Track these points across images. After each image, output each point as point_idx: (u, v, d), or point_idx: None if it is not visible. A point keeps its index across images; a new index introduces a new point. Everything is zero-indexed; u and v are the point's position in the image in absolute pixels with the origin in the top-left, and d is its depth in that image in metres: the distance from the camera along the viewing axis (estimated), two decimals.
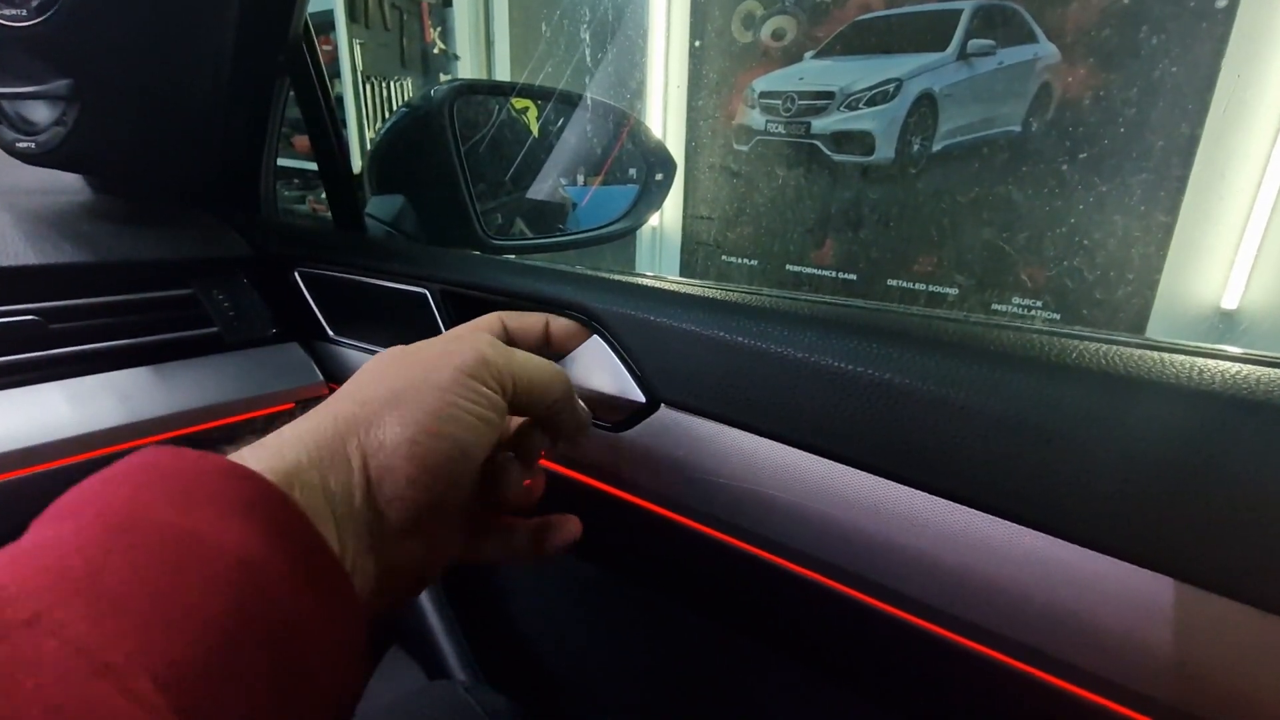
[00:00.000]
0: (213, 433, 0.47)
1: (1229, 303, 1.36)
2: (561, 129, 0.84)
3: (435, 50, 2.65)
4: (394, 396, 0.25)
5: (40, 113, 0.46)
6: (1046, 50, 1.51)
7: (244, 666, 0.17)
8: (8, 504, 0.38)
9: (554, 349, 0.37)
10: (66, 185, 0.56)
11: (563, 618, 0.53)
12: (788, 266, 1.99)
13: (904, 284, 1.80)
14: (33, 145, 0.45)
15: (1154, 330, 1.45)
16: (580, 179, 0.92)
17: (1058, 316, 1.58)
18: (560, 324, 0.37)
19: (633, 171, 0.86)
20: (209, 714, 0.16)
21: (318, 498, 0.22)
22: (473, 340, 0.28)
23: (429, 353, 0.28)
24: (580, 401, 0.32)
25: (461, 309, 0.44)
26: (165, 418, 0.45)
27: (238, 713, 0.17)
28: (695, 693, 0.47)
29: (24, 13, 0.38)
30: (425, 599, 0.54)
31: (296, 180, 2.44)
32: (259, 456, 0.23)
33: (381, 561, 0.24)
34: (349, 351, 0.52)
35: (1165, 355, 0.25)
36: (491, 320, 0.35)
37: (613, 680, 0.51)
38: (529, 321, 0.36)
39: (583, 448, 0.38)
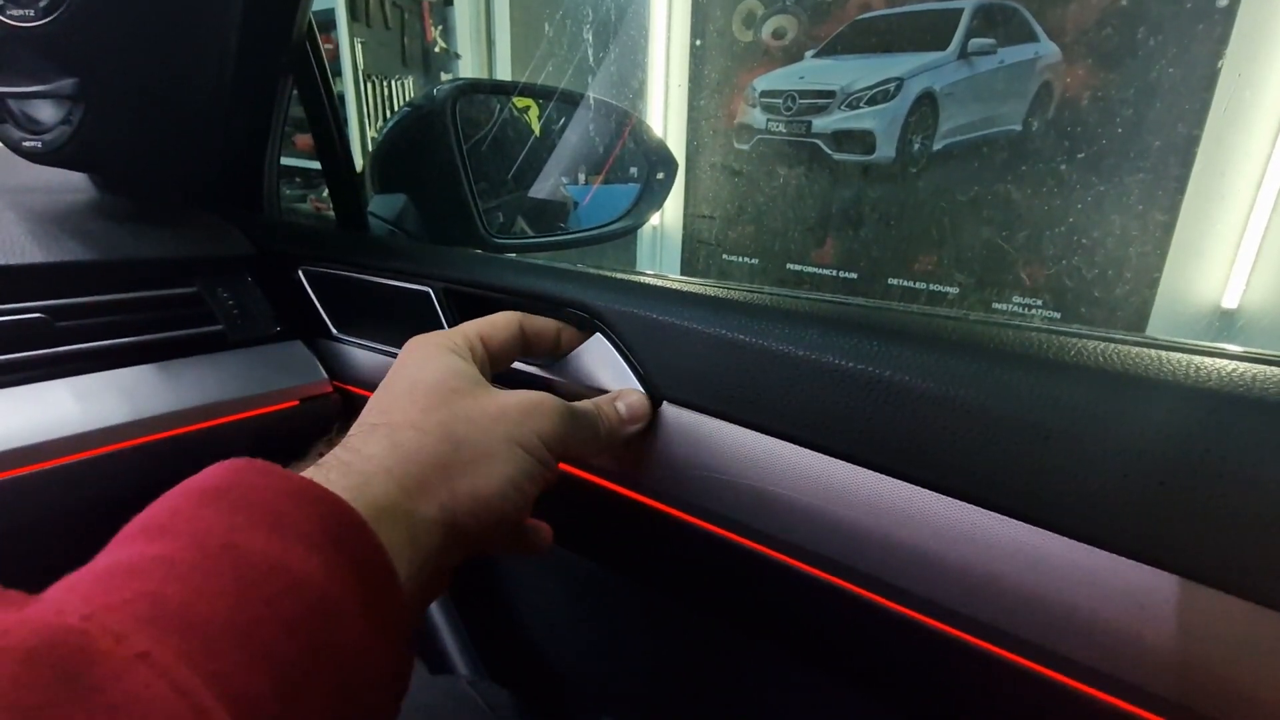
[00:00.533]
0: (217, 430, 0.47)
1: (1229, 302, 1.36)
2: (563, 128, 0.85)
3: (436, 49, 2.65)
4: (481, 449, 0.27)
5: (46, 112, 0.46)
6: (1047, 49, 1.51)
7: (314, 702, 0.18)
8: (16, 500, 0.38)
9: (559, 355, 0.39)
10: (72, 184, 0.56)
11: (564, 614, 0.53)
12: (789, 265, 1.99)
13: (905, 283, 1.80)
14: (39, 144, 0.45)
15: (1154, 329, 1.45)
16: (582, 178, 0.93)
17: (1058, 315, 1.58)
18: (570, 333, 0.38)
19: (634, 170, 0.87)
20: None
21: (402, 535, 0.23)
22: (541, 419, 0.30)
23: (505, 404, 0.29)
24: (613, 412, 0.34)
25: (464, 307, 0.44)
26: (170, 415, 0.45)
27: None
28: (695, 687, 0.47)
29: (31, 13, 0.38)
30: None
31: (299, 179, 2.45)
32: (346, 479, 0.23)
33: (429, 585, 0.26)
34: (352, 349, 0.53)
35: (1162, 353, 0.25)
36: (510, 321, 0.35)
37: (613, 675, 0.52)
38: (543, 326, 0.37)
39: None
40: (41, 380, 0.42)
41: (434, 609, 0.52)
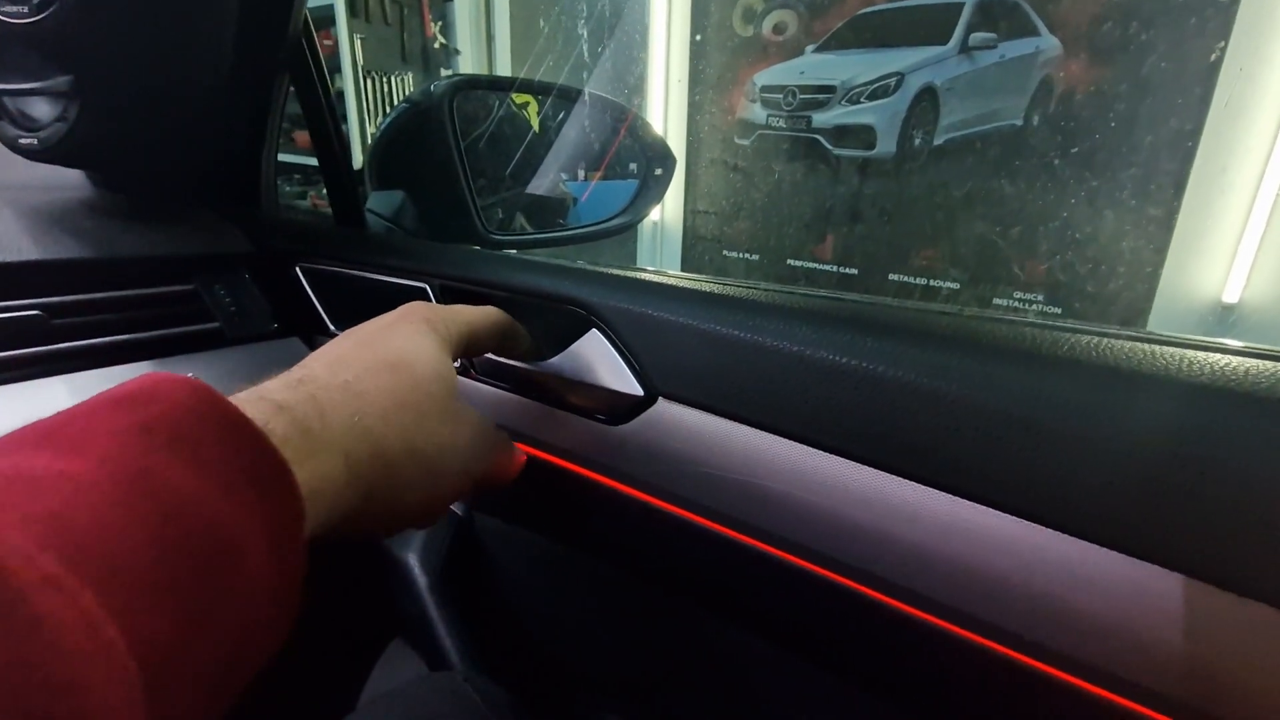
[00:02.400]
0: None
1: (1230, 296, 1.36)
2: (561, 124, 0.85)
3: (436, 45, 2.65)
4: (427, 467, 0.29)
5: (42, 109, 0.46)
6: (1048, 44, 1.51)
7: (209, 646, 0.17)
8: None
9: (527, 358, 0.40)
10: (69, 181, 0.56)
11: (561, 610, 0.53)
12: (789, 261, 1.99)
13: (905, 278, 1.80)
14: (35, 141, 0.45)
15: (1154, 324, 1.45)
16: (580, 174, 0.93)
17: (1059, 311, 1.58)
18: (534, 349, 0.40)
19: (633, 166, 0.86)
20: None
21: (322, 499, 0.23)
22: (484, 457, 0.32)
23: (458, 436, 0.31)
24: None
25: (461, 303, 0.44)
26: None
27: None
28: (693, 682, 0.47)
29: (26, 9, 0.38)
30: (426, 592, 0.54)
31: (297, 175, 2.45)
32: (290, 436, 0.23)
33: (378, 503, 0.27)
34: None
35: (1155, 348, 0.25)
36: (500, 320, 0.37)
37: (611, 671, 0.52)
38: (521, 334, 0.39)
39: (582, 441, 0.38)
40: (38, 377, 0.42)
41: (431, 605, 0.52)
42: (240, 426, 0.20)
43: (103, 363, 0.45)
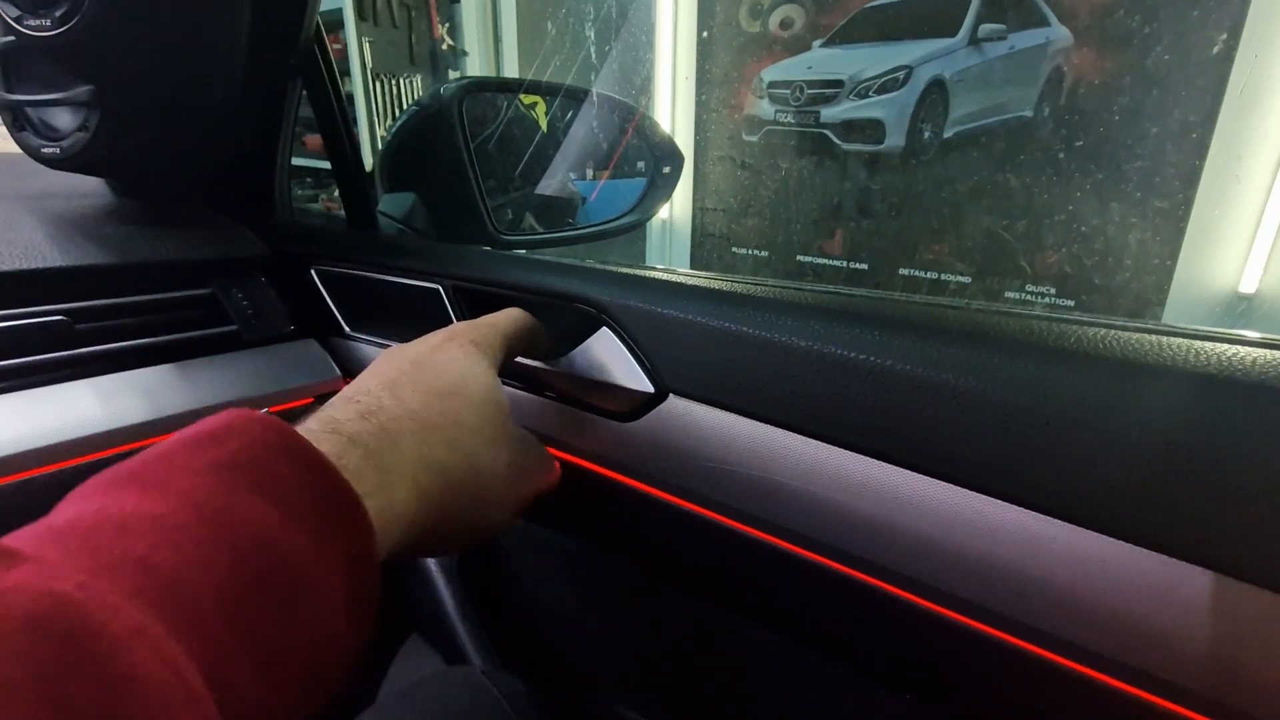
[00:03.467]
0: None
1: (1247, 287, 1.34)
2: (569, 124, 0.85)
3: (443, 47, 2.66)
4: (485, 494, 0.29)
5: (63, 119, 0.47)
6: (1059, 34, 1.49)
7: (286, 682, 0.18)
8: (44, 496, 0.39)
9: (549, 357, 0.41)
10: (90, 189, 0.57)
11: (577, 604, 0.54)
12: (798, 257, 1.98)
13: (916, 273, 1.79)
14: (58, 151, 0.47)
15: (1170, 315, 1.44)
16: (589, 173, 0.93)
17: (1071, 304, 1.57)
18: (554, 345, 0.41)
19: (641, 165, 0.87)
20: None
21: (393, 528, 0.24)
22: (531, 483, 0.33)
23: (514, 460, 0.32)
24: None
25: (474, 304, 0.45)
26: (189, 413, 0.46)
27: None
28: (706, 675, 0.47)
29: (48, 23, 0.39)
30: (443, 589, 0.55)
31: (309, 179, 2.47)
32: (364, 477, 0.23)
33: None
34: (365, 347, 0.53)
35: (1162, 338, 0.25)
36: (529, 324, 0.38)
37: (626, 664, 0.52)
38: (544, 336, 0.40)
39: (594, 438, 0.39)
40: (64, 381, 0.43)
41: (447, 601, 0.52)
42: (316, 464, 0.21)
43: (125, 366, 0.46)
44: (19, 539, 0.17)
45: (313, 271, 0.55)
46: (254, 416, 0.21)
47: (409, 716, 0.39)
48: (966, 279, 1.71)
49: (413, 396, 0.28)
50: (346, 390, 0.28)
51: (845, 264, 1.90)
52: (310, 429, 0.24)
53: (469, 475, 0.28)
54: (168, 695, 0.14)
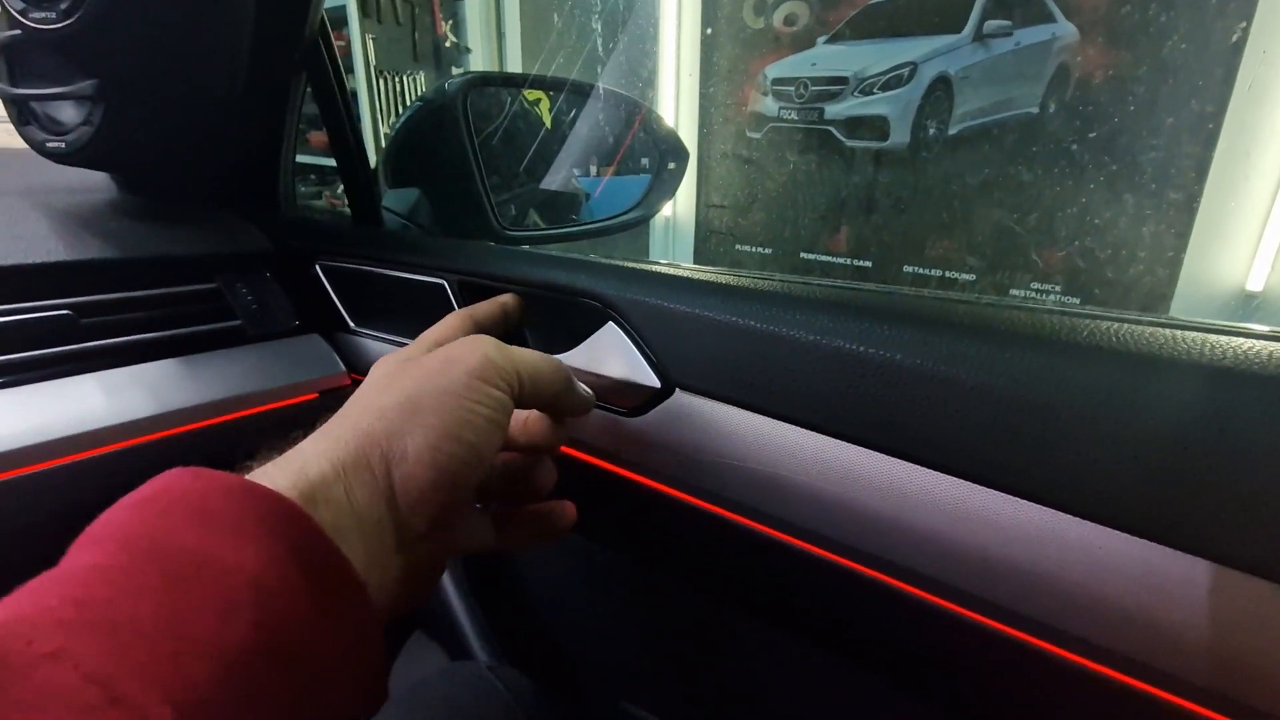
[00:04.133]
0: (238, 423, 0.48)
1: (1254, 284, 1.34)
2: (574, 120, 0.85)
3: (447, 43, 2.66)
4: (411, 404, 0.26)
5: (68, 113, 0.47)
6: (1065, 30, 1.48)
7: (260, 688, 0.18)
8: (49, 491, 0.39)
9: (513, 322, 0.41)
10: (95, 183, 0.57)
11: (580, 599, 0.54)
12: (802, 254, 1.98)
13: (920, 270, 1.79)
14: (62, 145, 0.47)
15: (1176, 313, 1.43)
16: (593, 169, 0.93)
17: (1077, 301, 1.56)
18: (511, 299, 0.41)
19: (645, 161, 0.87)
20: None
21: (343, 512, 0.23)
22: (476, 345, 0.29)
23: (436, 360, 0.28)
24: (579, 384, 0.33)
25: (478, 299, 0.45)
26: (193, 408, 0.46)
27: None
28: (712, 670, 0.47)
29: (53, 15, 0.39)
30: (448, 584, 0.55)
31: (313, 176, 2.47)
32: (283, 473, 0.23)
33: (405, 562, 0.25)
34: (369, 342, 0.53)
35: (1176, 332, 0.25)
36: (462, 319, 0.36)
37: (630, 659, 0.52)
38: (487, 309, 0.39)
39: (600, 433, 0.38)
40: (69, 375, 0.43)
41: (452, 596, 0.52)
42: (238, 485, 0.21)
43: (130, 360, 0.46)
44: None
45: (317, 267, 0.55)
46: (181, 470, 0.21)
47: (414, 713, 0.39)
48: (971, 276, 1.71)
49: (409, 451, 0.26)
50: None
51: (849, 261, 1.90)
52: (306, 494, 0.23)
53: (394, 413, 0.26)
54: (80, 702, 0.15)
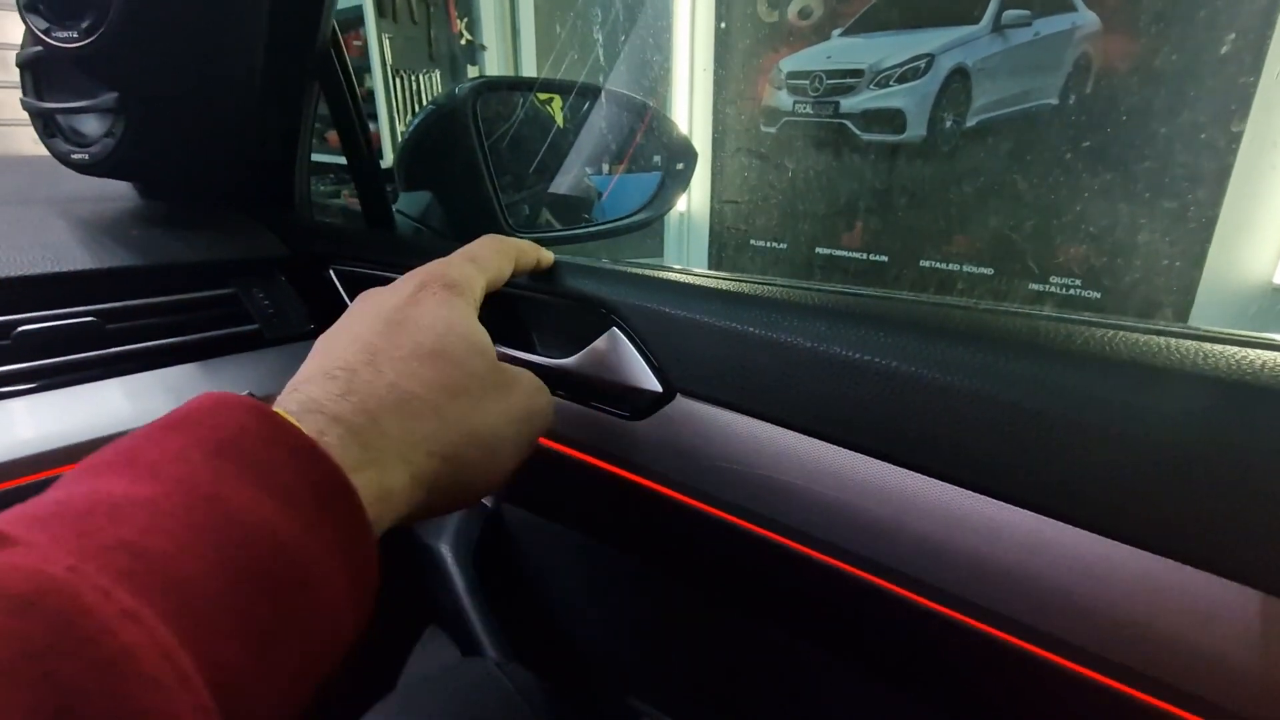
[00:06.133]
0: None
1: None
2: (583, 120, 0.85)
3: (462, 42, 2.67)
4: (481, 441, 0.28)
5: (91, 126, 0.49)
6: (1085, 19, 1.46)
7: (283, 667, 0.18)
8: None
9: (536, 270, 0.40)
10: (117, 192, 0.59)
11: (587, 599, 0.54)
12: (818, 249, 1.97)
13: (938, 265, 1.77)
14: (86, 156, 0.48)
15: (1199, 308, 1.40)
16: (605, 169, 0.93)
17: (1098, 295, 1.54)
18: (545, 253, 0.40)
19: (656, 159, 0.87)
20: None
21: (375, 491, 0.23)
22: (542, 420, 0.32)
23: (512, 405, 0.30)
24: (523, 243, 0.37)
25: (487, 302, 0.46)
26: None
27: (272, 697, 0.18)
28: (718, 669, 0.48)
29: (75, 35, 0.40)
30: (458, 582, 0.56)
31: (331, 175, 2.50)
32: (337, 440, 0.23)
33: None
34: None
35: (1170, 340, 0.25)
36: (508, 252, 0.36)
37: (638, 658, 0.53)
38: (526, 248, 0.38)
39: (603, 436, 0.39)
40: (95, 380, 0.45)
41: (464, 594, 0.54)
42: (303, 448, 0.21)
43: (153, 365, 0.47)
44: (7, 521, 0.17)
45: (330, 271, 0.56)
46: (237, 400, 0.21)
47: (425, 707, 0.40)
48: (989, 270, 1.69)
49: (391, 366, 0.26)
50: (323, 361, 0.27)
51: (865, 256, 1.88)
52: (290, 409, 0.23)
53: (462, 440, 0.27)
54: (159, 676, 0.14)
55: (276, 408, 0.23)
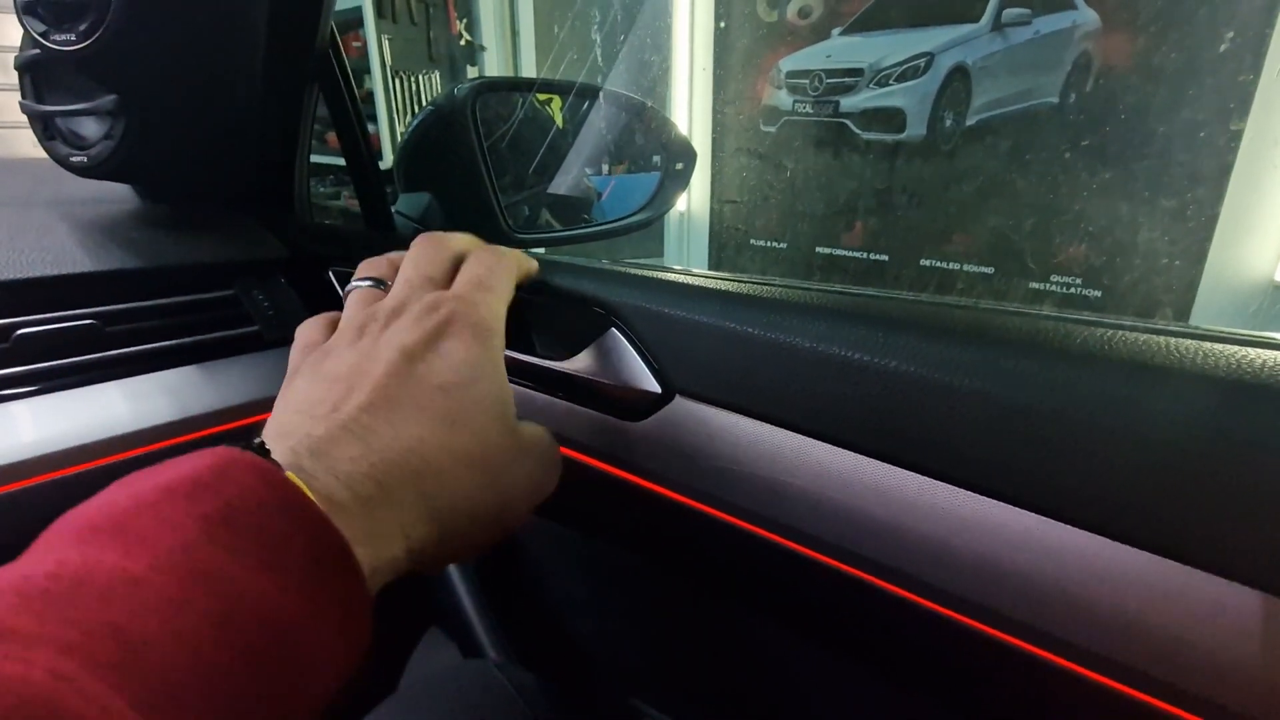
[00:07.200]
0: (258, 427, 0.50)
1: None
2: (581, 121, 0.85)
3: (461, 42, 2.67)
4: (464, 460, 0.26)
5: (90, 128, 0.49)
6: (1086, 17, 1.45)
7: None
8: (75, 496, 0.41)
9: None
10: (117, 194, 0.59)
11: (588, 600, 0.54)
12: (818, 248, 1.97)
13: (938, 264, 1.77)
14: (85, 159, 0.48)
15: (1200, 305, 1.40)
16: (604, 169, 0.93)
17: (1099, 294, 1.53)
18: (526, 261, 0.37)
19: (656, 159, 0.87)
20: None
21: (377, 558, 0.22)
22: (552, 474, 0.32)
23: (531, 470, 0.30)
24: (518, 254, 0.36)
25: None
26: (214, 413, 0.47)
27: None
28: (718, 669, 0.48)
29: (73, 37, 0.40)
30: (459, 584, 0.56)
31: (331, 177, 2.51)
32: (349, 500, 0.22)
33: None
34: None
35: (1170, 340, 0.25)
36: (511, 271, 0.35)
37: (638, 659, 0.53)
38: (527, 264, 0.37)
39: (602, 437, 0.39)
40: (95, 383, 0.45)
41: (465, 595, 0.54)
42: (311, 522, 0.20)
43: (153, 367, 0.47)
44: None
45: (330, 273, 0.56)
46: (245, 461, 0.20)
47: (426, 708, 0.40)
48: (989, 269, 1.69)
49: (410, 426, 0.25)
50: (332, 393, 0.26)
51: (865, 255, 1.88)
52: (302, 465, 0.22)
53: (466, 514, 0.26)
54: None
55: (283, 458, 0.22)
